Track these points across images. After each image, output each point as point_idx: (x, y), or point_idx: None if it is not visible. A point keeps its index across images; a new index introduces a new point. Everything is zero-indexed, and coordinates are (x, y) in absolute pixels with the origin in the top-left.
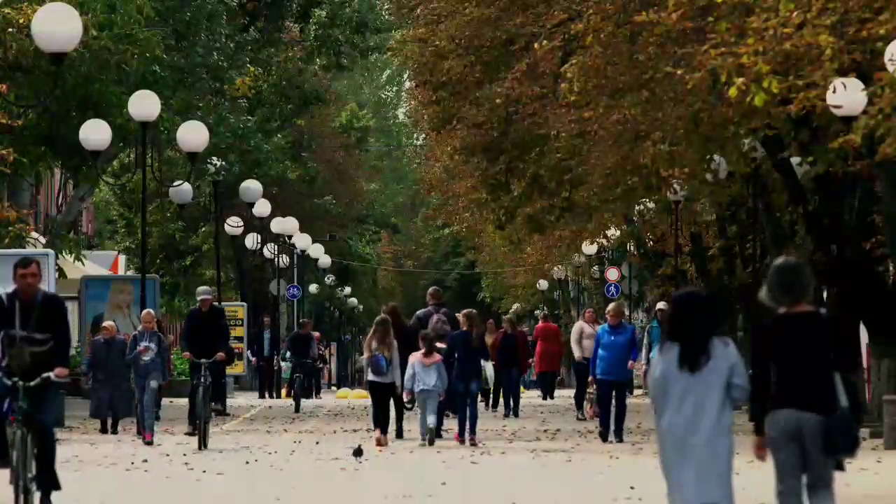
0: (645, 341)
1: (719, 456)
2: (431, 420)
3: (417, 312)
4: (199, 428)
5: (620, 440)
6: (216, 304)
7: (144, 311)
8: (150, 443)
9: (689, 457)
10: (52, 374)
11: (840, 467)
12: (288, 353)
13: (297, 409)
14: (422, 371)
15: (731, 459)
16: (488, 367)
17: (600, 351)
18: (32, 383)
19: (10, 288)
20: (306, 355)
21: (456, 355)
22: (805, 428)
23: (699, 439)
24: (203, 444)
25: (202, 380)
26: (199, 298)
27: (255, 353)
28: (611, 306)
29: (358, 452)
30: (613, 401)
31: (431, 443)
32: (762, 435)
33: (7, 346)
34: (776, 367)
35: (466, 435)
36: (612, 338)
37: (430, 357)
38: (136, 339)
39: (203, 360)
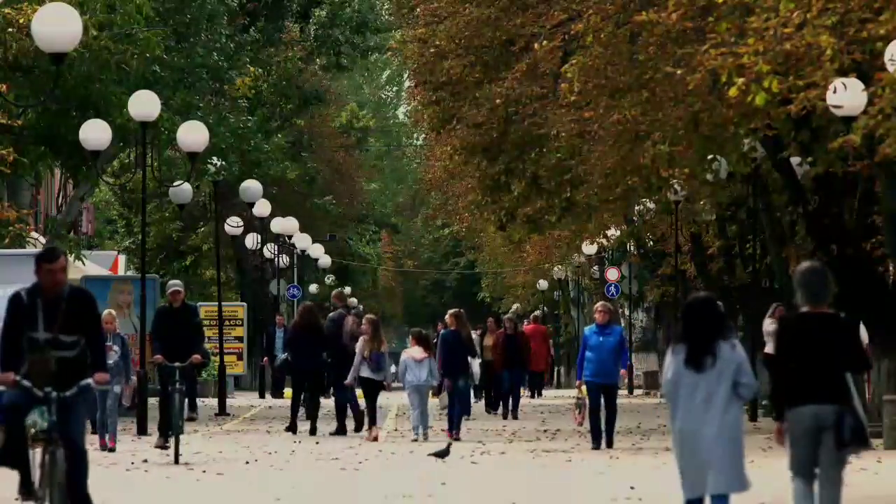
0: None
1: (730, 449)
2: (424, 417)
3: (331, 315)
4: (174, 440)
5: (610, 445)
6: (189, 302)
7: (105, 312)
8: (113, 449)
9: (701, 451)
10: (91, 381)
11: (867, 448)
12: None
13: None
14: (414, 366)
15: (741, 451)
16: (475, 365)
17: (588, 353)
18: (68, 393)
19: (30, 284)
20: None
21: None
22: (823, 421)
23: (709, 435)
24: (177, 459)
25: (176, 386)
26: (168, 291)
27: (266, 352)
28: (600, 303)
29: (445, 453)
30: (603, 406)
31: (426, 438)
32: (781, 420)
33: (28, 352)
34: (795, 363)
35: (455, 431)
36: (601, 339)
37: (422, 354)
38: None
39: (177, 364)
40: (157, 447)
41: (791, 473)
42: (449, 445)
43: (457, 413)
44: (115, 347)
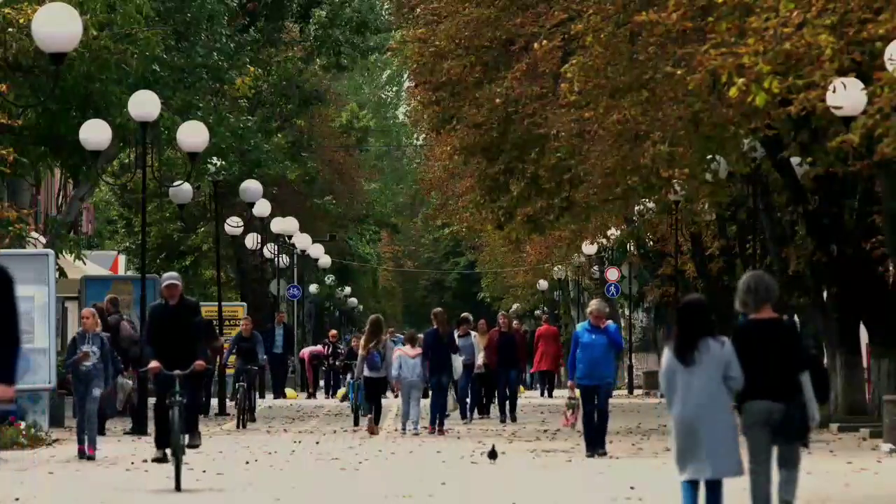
0: None
1: (724, 436)
2: (415, 412)
3: (108, 319)
4: (174, 458)
5: (603, 453)
6: (189, 297)
7: (85, 310)
8: (92, 457)
9: (699, 440)
10: None
11: (805, 445)
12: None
13: (241, 425)
14: (408, 364)
15: (735, 437)
16: (457, 361)
17: (579, 352)
18: None
19: None
20: (253, 360)
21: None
22: (775, 415)
23: (704, 424)
24: (178, 485)
25: (176, 398)
26: (163, 285)
27: (266, 350)
28: (593, 305)
29: (492, 455)
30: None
31: (416, 431)
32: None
33: None
34: (749, 364)
35: (438, 426)
36: (594, 337)
37: (414, 351)
38: (76, 342)
39: (176, 372)
40: (154, 461)
41: (748, 462)
42: (493, 447)
43: (441, 409)
44: (94, 349)
